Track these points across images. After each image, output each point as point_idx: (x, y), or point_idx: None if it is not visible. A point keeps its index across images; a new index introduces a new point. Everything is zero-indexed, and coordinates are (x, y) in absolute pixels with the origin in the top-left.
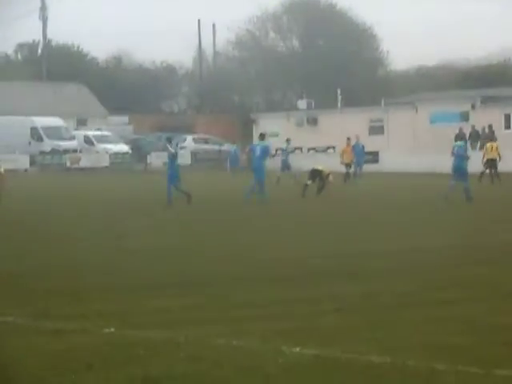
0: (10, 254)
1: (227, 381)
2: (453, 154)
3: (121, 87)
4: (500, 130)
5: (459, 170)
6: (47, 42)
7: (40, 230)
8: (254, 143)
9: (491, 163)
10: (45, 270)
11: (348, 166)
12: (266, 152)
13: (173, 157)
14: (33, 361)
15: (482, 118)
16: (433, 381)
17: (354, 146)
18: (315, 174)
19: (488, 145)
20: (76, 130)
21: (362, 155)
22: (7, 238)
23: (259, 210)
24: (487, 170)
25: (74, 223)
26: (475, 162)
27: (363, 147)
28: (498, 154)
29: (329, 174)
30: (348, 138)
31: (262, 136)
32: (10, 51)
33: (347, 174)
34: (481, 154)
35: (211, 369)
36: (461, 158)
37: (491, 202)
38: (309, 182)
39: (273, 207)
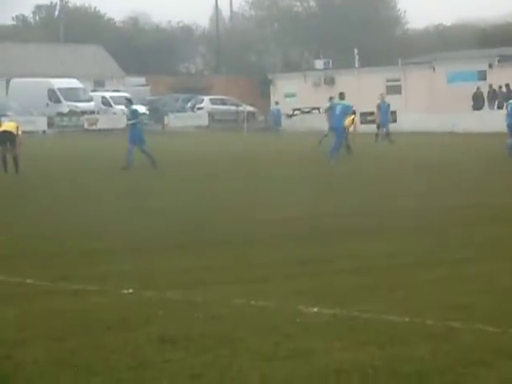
0: (28, 217)
1: (245, 341)
2: (507, 112)
3: (138, 48)
4: None
5: None
6: (64, 4)
7: (57, 192)
8: (334, 102)
9: None
10: (63, 232)
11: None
12: (346, 112)
13: (134, 117)
14: (52, 322)
15: (499, 77)
16: (451, 339)
17: (379, 105)
18: None
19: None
20: (93, 91)
21: (387, 114)
22: (26, 200)
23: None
24: None
25: (92, 185)
26: (496, 121)
27: (389, 106)
28: None
29: (349, 126)
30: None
31: (342, 95)
32: (28, 13)
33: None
34: (499, 113)
35: (229, 329)
36: None
37: None
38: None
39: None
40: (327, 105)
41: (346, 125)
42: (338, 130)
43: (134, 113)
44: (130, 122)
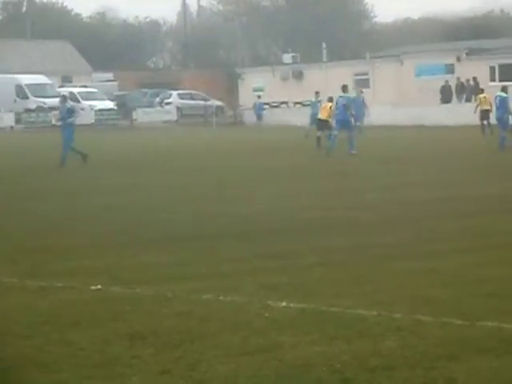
0: None
1: (214, 336)
2: (496, 104)
3: (105, 44)
4: (485, 82)
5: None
6: (31, 0)
7: (26, 187)
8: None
9: (485, 114)
10: (30, 228)
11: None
12: (349, 104)
13: (70, 116)
14: (19, 319)
15: (467, 71)
16: (418, 333)
17: (354, 99)
18: (322, 125)
19: (481, 96)
20: (61, 87)
21: (363, 108)
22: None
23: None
24: (484, 122)
25: (60, 180)
26: (464, 114)
27: (363, 99)
28: (490, 105)
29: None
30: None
31: (345, 87)
32: None
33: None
34: (467, 106)
35: (198, 324)
36: (504, 109)
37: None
38: (319, 134)
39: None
40: (312, 99)
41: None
42: (347, 124)
43: (70, 110)
44: (70, 120)
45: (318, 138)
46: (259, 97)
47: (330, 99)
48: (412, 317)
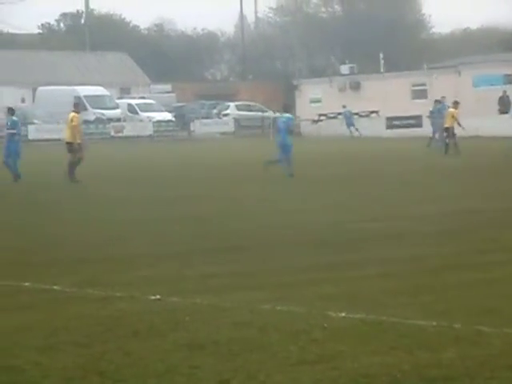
0: (54, 223)
1: (273, 346)
2: None
3: (163, 55)
4: None
5: None
6: (90, 12)
7: (85, 197)
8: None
9: None
10: (90, 238)
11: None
12: (289, 125)
13: (13, 128)
14: (80, 328)
15: None
16: (478, 343)
17: (439, 109)
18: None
19: None
20: (119, 98)
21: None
22: (51, 206)
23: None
24: None
25: (119, 193)
26: None
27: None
28: None
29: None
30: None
31: (287, 106)
32: (53, 21)
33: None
34: None
35: (257, 334)
36: None
37: None
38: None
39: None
40: (431, 109)
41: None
42: (283, 147)
43: (14, 123)
44: (9, 132)
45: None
46: (344, 106)
47: (456, 104)
48: (472, 327)
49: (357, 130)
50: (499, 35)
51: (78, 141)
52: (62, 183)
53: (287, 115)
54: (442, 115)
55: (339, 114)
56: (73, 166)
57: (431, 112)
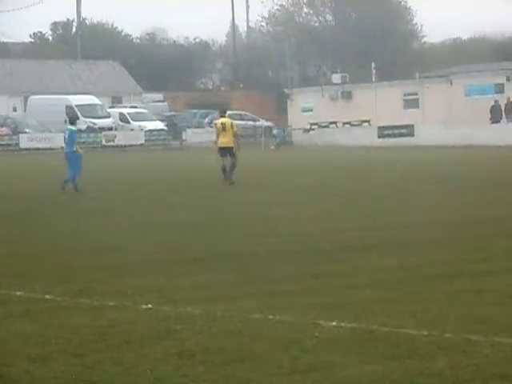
0: (48, 232)
1: (264, 355)
2: None
3: (155, 64)
4: None
5: None
6: (81, 21)
7: (76, 207)
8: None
9: None
10: (82, 247)
11: None
12: (73, 138)
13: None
14: (71, 337)
15: None
16: (470, 352)
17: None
18: None
19: None
20: (111, 107)
21: None
22: (45, 215)
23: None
24: None
25: (112, 200)
26: (510, 133)
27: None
28: None
29: None
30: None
31: (73, 119)
32: (45, 30)
33: None
34: None
35: (248, 343)
36: None
37: None
38: None
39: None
40: None
41: None
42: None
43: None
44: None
45: None
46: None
47: None
48: (463, 336)
49: None
50: (490, 45)
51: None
52: (56, 194)
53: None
54: None
55: (331, 123)
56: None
57: None
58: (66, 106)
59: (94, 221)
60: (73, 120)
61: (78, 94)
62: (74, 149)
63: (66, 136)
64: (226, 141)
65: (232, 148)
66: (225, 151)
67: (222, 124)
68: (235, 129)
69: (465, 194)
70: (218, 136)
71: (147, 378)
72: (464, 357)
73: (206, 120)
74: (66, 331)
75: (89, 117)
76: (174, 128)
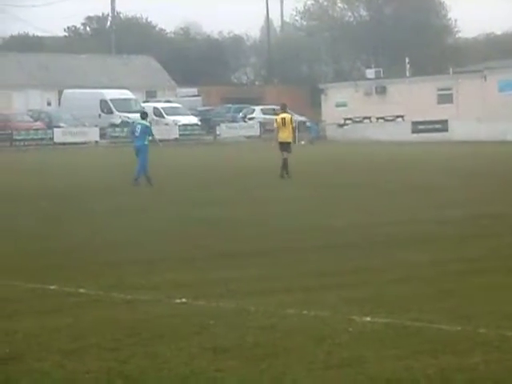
0: (83, 228)
1: (298, 350)
2: None
3: (189, 59)
4: None
5: None
6: (116, 15)
7: (110, 202)
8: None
9: None
10: (118, 241)
11: None
12: (145, 132)
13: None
14: (105, 331)
15: None
16: (504, 348)
17: None
18: None
19: None
20: (145, 102)
21: None
22: (89, 211)
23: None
24: None
25: (144, 195)
26: None
27: None
28: None
29: None
30: None
31: (144, 114)
32: (79, 24)
33: None
34: None
35: (282, 338)
36: None
37: None
38: None
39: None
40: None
41: None
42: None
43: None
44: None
45: None
46: None
47: None
48: (497, 331)
49: None
50: None
51: None
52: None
53: (144, 122)
54: None
55: (365, 118)
56: None
57: None
58: (101, 101)
59: (127, 216)
60: (144, 115)
61: (112, 89)
62: (146, 142)
63: (138, 130)
64: (285, 136)
65: (290, 143)
66: (284, 146)
67: (282, 119)
68: (293, 124)
69: (499, 189)
70: (277, 131)
71: (181, 372)
72: (498, 352)
73: (240, 114)
74: (99, 325)
75: (123, 111)
76: (208, 123)
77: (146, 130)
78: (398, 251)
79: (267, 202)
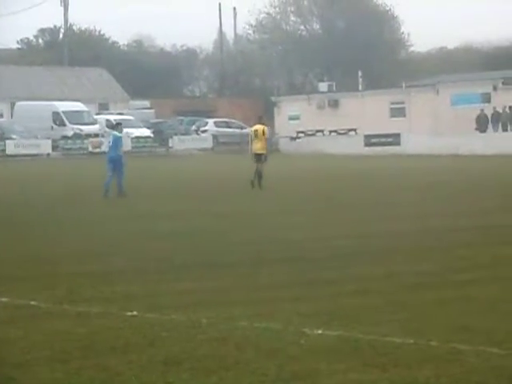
0: (34, 240)
1: (250, 363)
2: None
3: (142, 71)
4: None
5: None
6: (68, 27)
7: (63, 214)
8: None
9: None
10: (68, 254)
11: None
12: (117, 143)
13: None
14: (55, 344)
15: (503, 100)
16: (455, 361)
17: None
18: None
19: None
20: (98, 114)
21: None
22: (30, 223)
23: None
24: None
25: (98, 207)
26: (500, 143)
27: None
28: None
29: None
30: None
31: (118, 125)
32: (32, 36)
33: None
34: (503, 135)
35: (234, 351)
36: None
37: None
38: None
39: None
40: None
41: None
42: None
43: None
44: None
45: None
46: None
47: None
48: (448, 345)
49: None
50: (477, 54)
51: None
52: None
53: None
54: None
55: (318, 131)
56: None
57: None
58: (53, 113)
59: (78, 227)
60: (118, 126)
61: (64, 101)
62: (120, 153)
63: (111, 141)
64: (257, 147)
65: (263, 154)
66: (257, 157)
67: (255, 131)
68: (266, 135)
69: (451, 203)
70: (251, 142)
71: None
72: (449, 365)
73: (193, 127)
74: (50, 338)
75: (75, 123)
76: (161, 135)
77: (118, 141)
78: (353, 264)
79: (223, 215)
